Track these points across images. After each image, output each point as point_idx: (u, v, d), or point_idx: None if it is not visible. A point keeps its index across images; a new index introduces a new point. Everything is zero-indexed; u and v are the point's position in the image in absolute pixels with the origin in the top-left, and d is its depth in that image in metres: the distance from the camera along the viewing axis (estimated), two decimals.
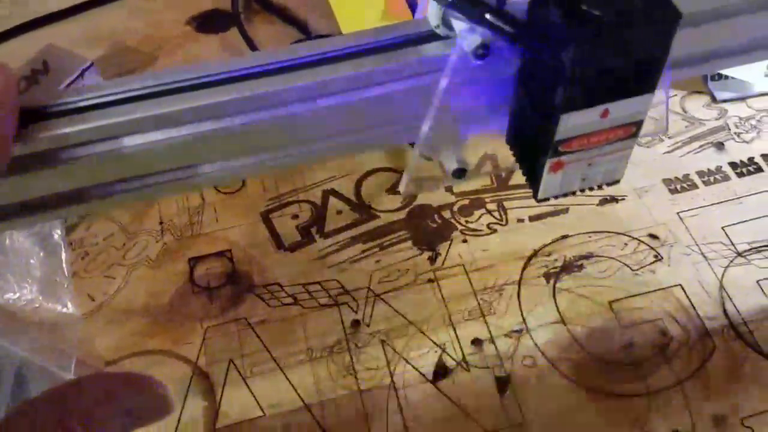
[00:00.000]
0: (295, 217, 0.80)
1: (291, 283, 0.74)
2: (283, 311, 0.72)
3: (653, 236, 0.76)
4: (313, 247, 0.77)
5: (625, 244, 0.76)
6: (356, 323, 0.70)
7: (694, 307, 0.70)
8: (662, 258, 0.74)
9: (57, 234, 0.70)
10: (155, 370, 0.68)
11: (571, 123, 0.39)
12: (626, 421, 0.63)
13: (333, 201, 0.82)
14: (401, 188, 0.49)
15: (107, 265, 0.76)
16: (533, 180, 0.45)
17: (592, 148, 0.42)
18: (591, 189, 0.46)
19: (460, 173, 0.48)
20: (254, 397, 0.65)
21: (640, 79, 0.39)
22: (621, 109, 0.40)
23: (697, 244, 0.75)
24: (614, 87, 0.38)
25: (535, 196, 0.45)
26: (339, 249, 0.77)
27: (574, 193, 0.46)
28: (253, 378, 0.67)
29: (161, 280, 0.75)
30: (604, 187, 0.47)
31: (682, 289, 0.72)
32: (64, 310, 0.70)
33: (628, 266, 0.74)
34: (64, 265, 0.70)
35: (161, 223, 0.80)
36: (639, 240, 0.76)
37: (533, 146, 0.43)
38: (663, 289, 0.72)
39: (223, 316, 0.71)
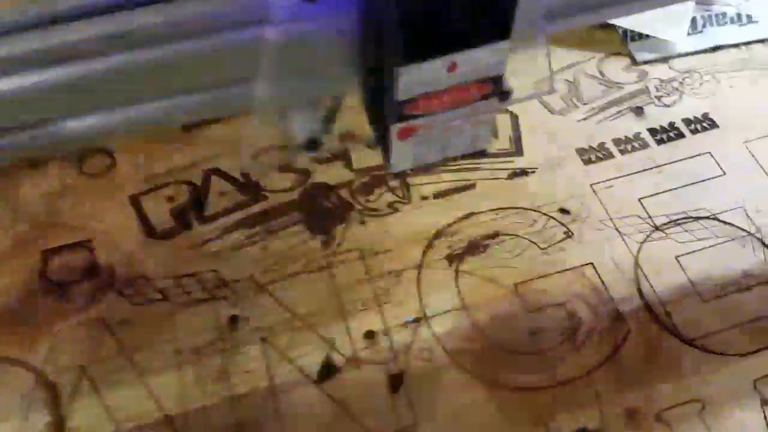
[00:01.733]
0: (171, 199, 0.71)
1: (161, 277, 0.65)
2: (149, 309, 0.63)
3: (564, 211, 0.70)
4: (189, 233, 0.68)
5: (534, 220, 0.69)
6: (234, 319, 0.62)
7: (606, 288, 0.64)
8: (573, 234, 0.68)
9: None
10: None
11: (413, 78, 0.32)
12: (529, 418, 0.57)
13: (216, 181, 0.72)
14: (241, 163, 0.41)
15: None
16: (385, 149, 0.37)
17: (444, 110, 0.34)
18: (454, 160, 0.39)
19: (312, 144, 0.40)
20: (106, 409, 0.56)
21: (488, 22, 0.31)
22: (470, 62, 0.32)
23: (611, 218, 0.69)
24: (457, 33, 0.31)
25: (387, 166, 0.38)
26: (219, 235, 0.68)
27: (438, 166, 0.38)
28: (109, 387, 0.58)
29: (9, 276, 0.65)
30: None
31: (594, 267, 0.66)
32: None
33: (536, 245, 0.67)
34: None
35: (14, 210, 0.69)
36: (549, 216, 0.69)
37: (379, 109, 0.35)
38: (573, 268, 0.66)
39: (76, 317, 0.62)
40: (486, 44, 0.32)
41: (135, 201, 0.70)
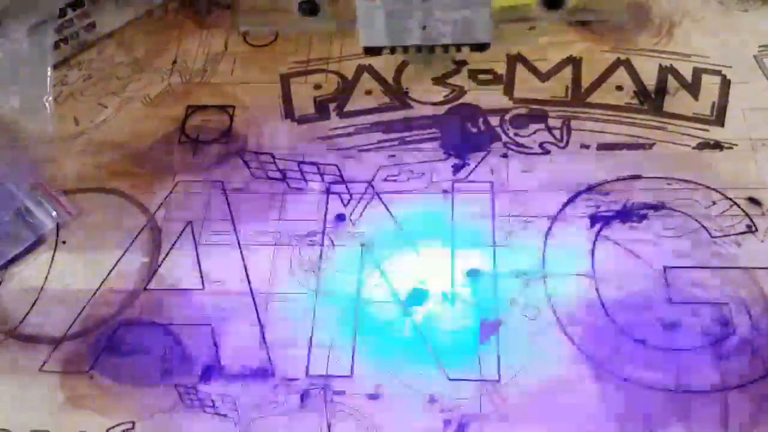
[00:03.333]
0: (318, 87, 0.68)
1: (286, 157, 0.63)
2: (266, 185, 0.61)
3: (754, 201, 0.56)
4: (325, 124, 0.65)
5: (713, 202, 0.57)
6: (341, 218, 0.58)
7: None
8: (757, 230, 0.55)
9: (48, 43, 0.63)
10: (107, 212, 0.60)
11: None
12: (631, 419, 0.47)
13: (366, 78, 0.68)
14: None
15: (105, 93, 0.69)
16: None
17: None
18: (445, 51, 0.30)
19: (308, 5, 0.33)
20: (200, 267, 0.56)
21: None
22: None
23: None
24: None
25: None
26: (353, 133, 0.64)
27: (420, 51, 0.30)
28: (207, 247, 0.58)
29: (152, 120, 0.66)
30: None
31: None
32: (41, 128, 0.63)
33: (707, 230, 0.55)
34: (48, 81, 0.63)
35: (174, 62, 0.71)
36: (733, 201, 0.57)
37: None
38: (744, 268, 0.53)
39: (200, 174, 0.62)
40: None
41: (285, 80, 0.69)
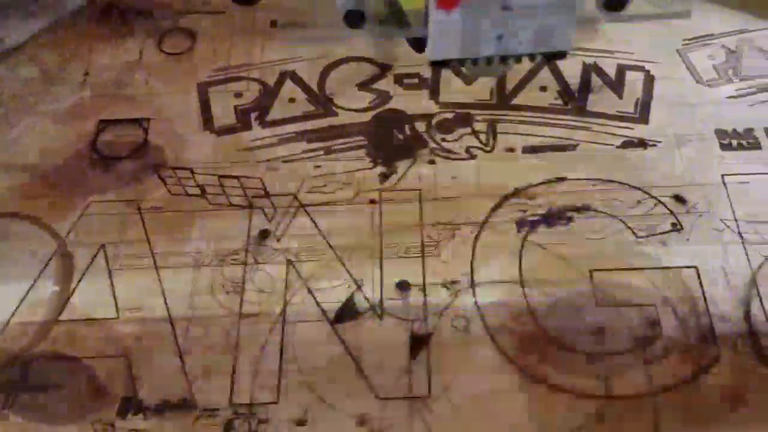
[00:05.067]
0: (239, 95, 0.65)
1: (205, 172, 0.60)
2: (185, 202, 0.58)
3: (679, 198, 0.57)
4: (246, 135, 0.63)
5: (639, 201, 0.57)
6: (265, 234, 0.56)
7: (705, 300, 0.51)
8: (682, 228, 0.55)
9: None
10: (16, 239, 0.57)
11: None
12: (561, 426, 0.47)
13: (289, 86, 0.66)
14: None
15: (15, 110, 0.65)
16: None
17: None
18: (517, 61, 0.29)
19: (355, 18, 0.32)
20: (114, 294, 0.53)
21: None
22: None
23: (736, 220, 0.55)
24: None
25: (421, 50, 0.29)
26: (276, 143, 0.62)
27: (492, 63, 0.29)
28: (121, 272, 0.55)
29: (63, 137, 0.63)
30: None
31: (697, 273, 0.53)
32: None
33: (632, 230, 0.55)
34: None
35: (86, 74, 0.67)
36: (658, 200, 0.57)
37: None
38: (670, 268, 0.53)
39: (113, 193, 0.59)
40: None
41: (203, 89, 0.66)
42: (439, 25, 0.27)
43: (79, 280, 0.54)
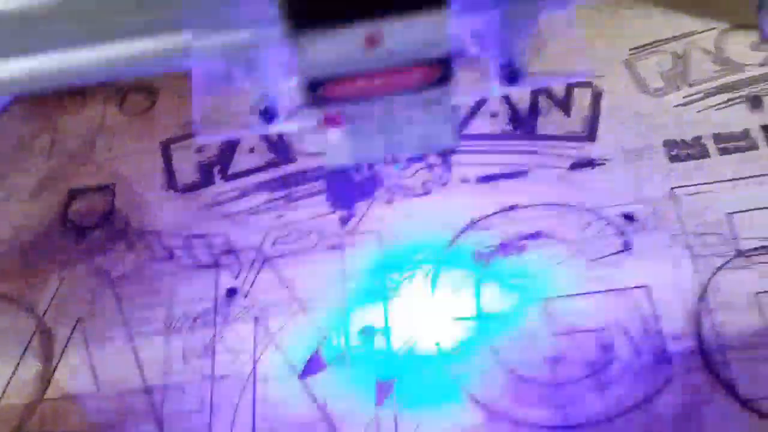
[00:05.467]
0: (200, 150, 0.67)
1: (171, 233, 0.62)
2: (154, 267, 0.61)
3: (628, 217, 0.58)
4: (209, 190, 0.65)
5: (589, 224, 0.58)
6: (232, 292, 0.59)
7: (656, 319, 0.53)
8: (632, 247, 0.57)
9: None
10: None
11: (319, 52, 0.24)
12: None
13: (250, 135, 0.68)
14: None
15: None
16: None
17: (374, 97, 0.26)
18: (415, 160, 0.31)
19: (268, 115, 0.34)
20: (93, 368, 0.56)
21: None
22: (397, 36, 0.24)
23: (685, 234, 0.57)
24: None
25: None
26: (238, 196, 0.64)
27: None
28: (99, 344, 0.57)
29: (35, 211, 0.65)
30: (434, 157, 0.32)
31: (648, 292, 0.55)
32: None
33: (583, 254, 0.57)
34: None
35: (52, 143, 0.69)
36: (608, 221, 0.58)
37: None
38: (622, 289, 0.55)
39: (85, 264, 0.61)
40: (414, 14, 0.23)
41: (165, 148, 0.68)
42: (330, 139, 0.29)
43: (60, 357, 0.57)
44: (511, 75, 0.33)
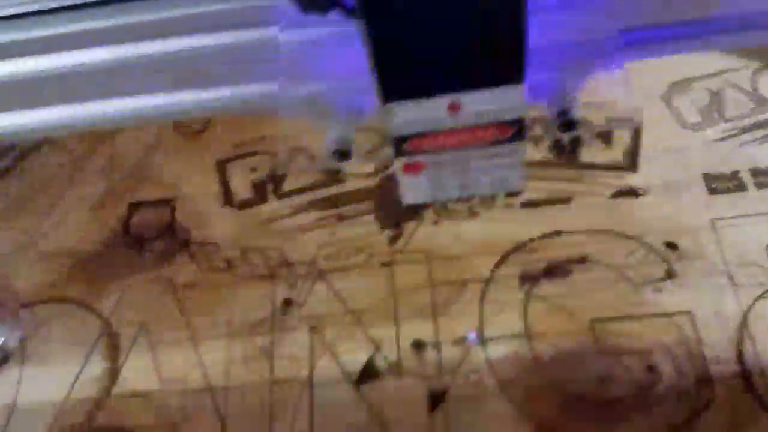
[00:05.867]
0: (254, 170, 0.71)
1: (229, 246, 0.65)
2: (214, 276, 0.64)
3: (671, 245, 0.61)
4: (263, 207, 0.68)
5: (633, 251, 0.61)
6: (288, 302, 0.61)
7: (699, 343, 0.55)
8: (676, 275, 0.59)
9: None
10: (65, 322, 0.62)
11: (407, 116, 0.27)
12: None
13: (300, 157, 0.71)
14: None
15: (49, 200, 0.71)
16: None
17: (453, 149, 0.30)
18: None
19: (341, 155, 0.37)
20: (157, 367, 0.58)
21: (489, 65, 0.26)
22: (476, 104, 0.27)
23: (726, 264, 0.59)
24: (453, 72, 0.26)
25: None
26: (292, 213, 0.67)
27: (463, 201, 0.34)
28: (163, 346, 0.60)
29: (97, 222, 0.68)
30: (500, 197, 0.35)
31: (691, 318, 0.57)
32: None
33: (629, 279, 0.59)
34: None
35: (111, 159, 0.73)
36: (651, 248, 0.61)
37: None
38: (666, 315, 0.57)
39: (148, 273, 0.64)
40: (491, 87, 0.27)
41: (221, 166, 0.71)
42: (407, 182, 0.32)
43: (126, 357, 0.59)
44: (568, 123, 0.36)
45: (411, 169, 0.31)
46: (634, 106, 0.38)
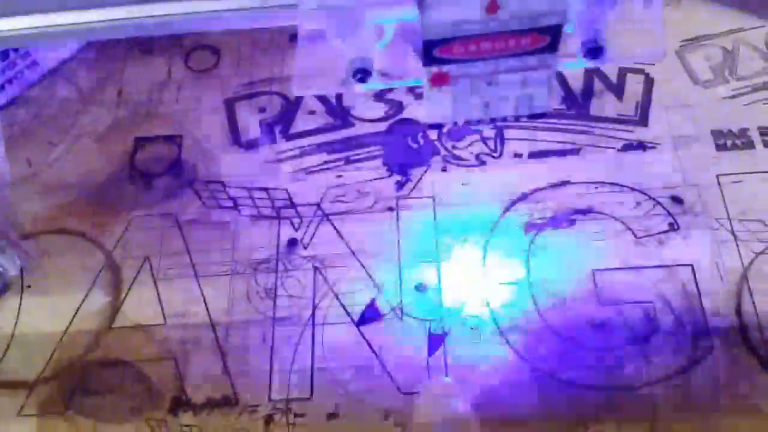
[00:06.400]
0: (263, 110, 0.70)
1: (236, 185, 0.65)
2: (218, 214, 0.64)
3: (676, 199, 0.61)
4: (271, 147, 0.68)
5: (638, 203, 0.61)
6: (293, 243, 0.61)
7: (699, 296, 0.56)
8: (679, 228, 0.59)
9: None
10: (67, 254, 0.62)
11: (442, 15, 0.27)
12: (569, 415, 0.52)
13: (309, 99, 0.71)
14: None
15: (55, 131, 0.70)
16: None
17: (484, 57, 0.29)
18: (502, 120, 0.34)
19: (363, 74, 0.36)
20: (160, 302, 0.59)
21: None
22: (517, 3, 0.27)
23: (729, 219, 0.59)
24: None
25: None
26: (299, 155, 0.67)
27: (481, 123, 0.34)
28: (165, 281, 0.60)
29: (102, 156, 0.68)
30: (524, 119, 0.35)
31: (693, 270, 0.57)
32: None
33: (632, 231, 0.60)
34: None
35: (119, 94, 0.72)
36: (656, 201, 0.61)
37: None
38: (667, 266, 0.58)
39: (153, 208, 0.64)
40: None
41: (229, 105, 0.71)
42: (432, 97, 0.32)
43: (128, 290, 0.60)
44: (595, 50, 0.35)
45: (438, 81, 0.31)
46: (658, 46, 0.38)
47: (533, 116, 0.36)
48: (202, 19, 0.38)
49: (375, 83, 0.41)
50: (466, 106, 0.32)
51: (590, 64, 0.38)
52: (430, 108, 0.33)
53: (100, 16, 0.37)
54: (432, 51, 0.29)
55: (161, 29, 0.36)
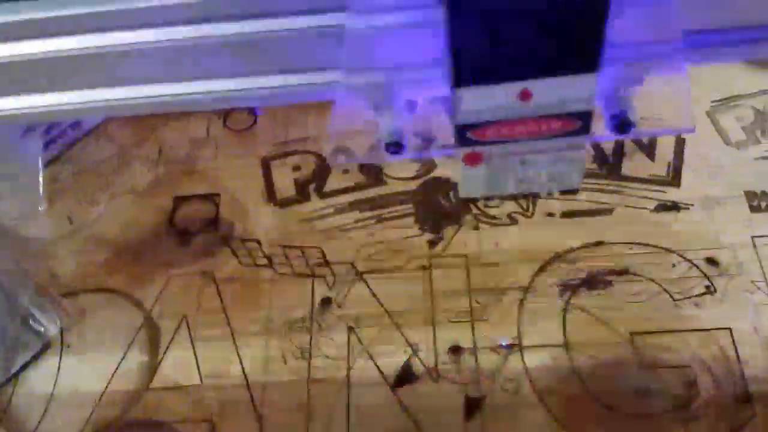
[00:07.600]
0: (297, 168, 0.72)
1: (271, 243, 0.66)
2: (254, 272, 0.64)
3: (712, 261, 0.61)
4: (305, 206, 0.69)
5: (674, 265, 0.61)
6: (327, 301, 0.62)
7: (739, 360, 0.55)
8: (715, 291, 0.59)
9: (35, 151, 0.66)
10: (106, 312, 0.63)
11: (476, 102, 0.28)
12: None
13: (343, 155, 0.72)
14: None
15: (95, 188, 0.72)
16: None
17: (516, 139, 0.30)
18: (535, 196, 0.34)
19: (395, 146, 0.37)
20: (197, 361, 0.59)
21: (567, 52, 0.26)
22: (548, 92, 0.28)
23: (766, 281, 0.59)
24: (529, 59, 0.27)
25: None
26: (333, 213, 0.68)
27: (516, 198, 0.34)
28: (203, 340, 0.61)
29: (142, 214, 0.70)
30: (556, 194, 0.35)
31: (731, 334, 0.57)
32: (38, 232, 0.66)
33: (668, 293, 0.59)
34: (40, 186, 0.66)
35: (160, 151, 0.74)
36: (692, 263, 0.61)
37: None
38: (705, 330, 0.57)
39: (190, 266, 0.65)
40: (566, 75, 0.27)
41: (265, 164, 0.72)
42: (466, 173, 0.33)
43: (166, 350, 0.60)
44: (623, 125, 0.36)
45: (471, 159, 0.31)
46: (687, 118, 0.38)
47: (564, 192, 0.37)
48: (241, 97, 0.39)
49: (408, 155, 0.42)
50: (498, 184, 0.33)
51: (619, 137, 0.38)
52: (465, 182, 0.34)
53: (138, 92, 0.38)
54: (465, 133, 0.30)
55: (199, 105, 0.38)
